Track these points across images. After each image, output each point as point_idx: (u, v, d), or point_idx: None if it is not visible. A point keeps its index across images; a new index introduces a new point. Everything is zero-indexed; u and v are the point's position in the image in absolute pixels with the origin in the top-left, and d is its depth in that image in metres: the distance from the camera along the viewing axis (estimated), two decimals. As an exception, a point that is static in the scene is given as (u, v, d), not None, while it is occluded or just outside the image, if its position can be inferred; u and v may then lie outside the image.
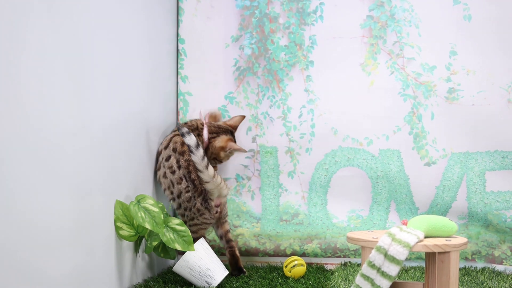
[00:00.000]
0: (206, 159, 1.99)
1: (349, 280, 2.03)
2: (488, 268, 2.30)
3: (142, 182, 2.02)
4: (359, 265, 2.33)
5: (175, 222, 1.80)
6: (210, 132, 2.21)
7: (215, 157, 2.24)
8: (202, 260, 1.79)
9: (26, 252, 1.21)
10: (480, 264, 2.34)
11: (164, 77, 2.35)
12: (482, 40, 2.30)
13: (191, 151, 1.95)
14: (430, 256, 1.59)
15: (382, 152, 2.38)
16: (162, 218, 1.74)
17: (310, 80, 2.40)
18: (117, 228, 1.70)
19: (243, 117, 2.36)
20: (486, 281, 2.04)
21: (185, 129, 1.96)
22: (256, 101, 2.43)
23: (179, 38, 2.45)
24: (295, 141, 2.41)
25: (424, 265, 2.31)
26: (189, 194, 2.06)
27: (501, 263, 2.31)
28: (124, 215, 1.71)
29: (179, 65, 2.45)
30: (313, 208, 2.41)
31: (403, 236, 1.44)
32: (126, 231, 1.72)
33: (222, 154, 2.22)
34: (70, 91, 1.43)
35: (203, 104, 2.42)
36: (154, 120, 2.19)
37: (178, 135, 2.12)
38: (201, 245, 1.80)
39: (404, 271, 2.23)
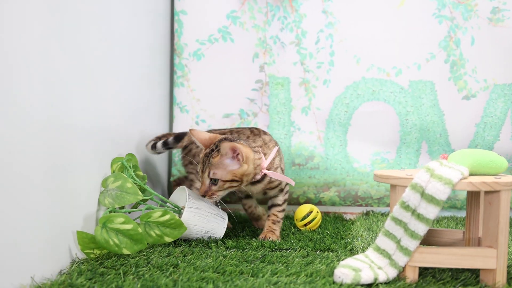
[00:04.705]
0: None
1: (373, 230, 1.78)
2: (534, 219, 2.01)
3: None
4: (383, 214, 2.08)
5: (119, 220, 1.39)
6: None
7: None
8: (197, 227, 1.63)
9: None
10: (523, 215, 2.07)
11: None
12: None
13: None
14: (473, 198, 1.39)
15: (413, 83, 2.12)
16: (140, 230, 1.40)
17: (328, -1, 2.12)
18: (88, 254, 1.39)
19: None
20: (535, 233, 1.74)
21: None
22: (264, 22, 2.16)
23: None
24: (310, 71, 2.15)
25: (458, 216, 2.13)
26: None
27: (549, 213, 2.02)
28: (90, 243, 1.38)
29: (173, -23, 2.20)
30: (331, 150, 2.16)
31: (444, 172, 1.23)
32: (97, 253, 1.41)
33: None
34: None
35: (199, 25, 2.14)
36: (144, 43, 1.89)
37: None
38: (190, 209, 1.62)
39: (436, 222, 1.98)
